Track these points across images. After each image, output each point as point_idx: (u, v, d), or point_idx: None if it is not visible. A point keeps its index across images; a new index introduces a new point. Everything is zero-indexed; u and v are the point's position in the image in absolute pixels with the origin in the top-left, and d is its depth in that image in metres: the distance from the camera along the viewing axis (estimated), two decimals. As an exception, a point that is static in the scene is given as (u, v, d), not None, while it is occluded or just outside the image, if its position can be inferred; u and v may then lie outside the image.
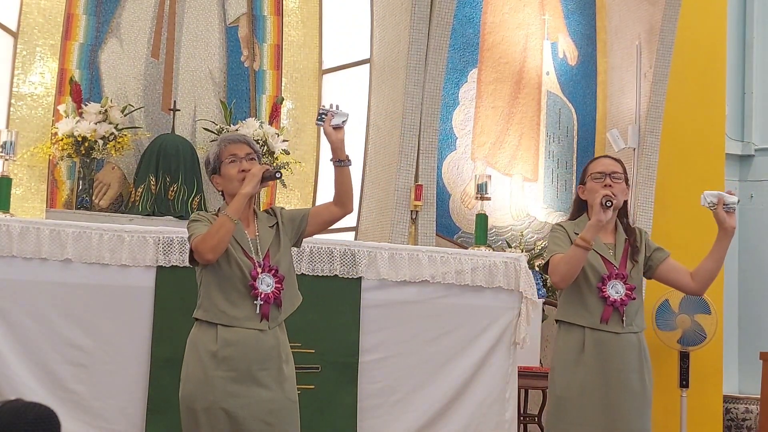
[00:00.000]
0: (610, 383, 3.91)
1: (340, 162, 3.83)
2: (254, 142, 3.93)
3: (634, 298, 3.99)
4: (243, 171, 3.77)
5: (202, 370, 3.68)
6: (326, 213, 3.92)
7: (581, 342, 3.95)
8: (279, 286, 3.75)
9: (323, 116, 3.82)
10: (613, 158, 4.19)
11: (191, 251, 3.75)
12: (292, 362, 3.84)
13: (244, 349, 3.69)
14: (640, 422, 3.96)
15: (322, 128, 3.84)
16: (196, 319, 3.78)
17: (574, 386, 3.93)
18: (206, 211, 6.84)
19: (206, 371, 3.67)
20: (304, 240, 4.00)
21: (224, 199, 3.88)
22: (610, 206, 3.89)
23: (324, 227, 3.97)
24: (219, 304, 3.71)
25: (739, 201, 4.04)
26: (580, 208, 4.15)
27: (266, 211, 3.93)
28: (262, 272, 3.73)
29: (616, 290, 3.96)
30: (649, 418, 4.02)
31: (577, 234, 3.99)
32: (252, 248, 3.77)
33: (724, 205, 3.98)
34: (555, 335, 4.10)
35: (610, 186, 3.99)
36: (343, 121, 3.82)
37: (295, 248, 4.00)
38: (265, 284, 3.74)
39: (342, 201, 3.88)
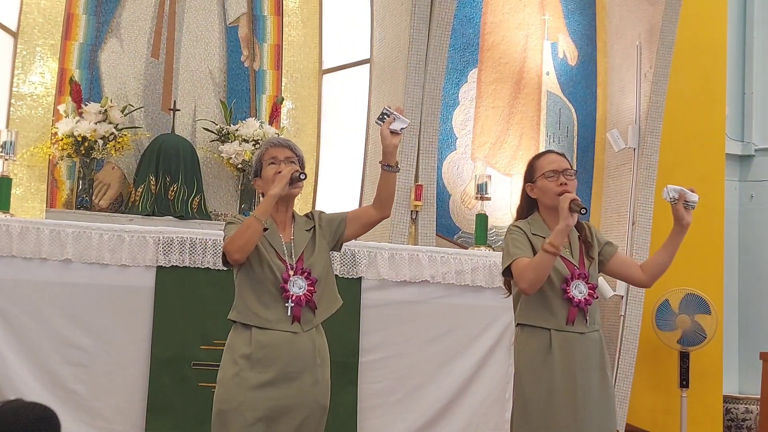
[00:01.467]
0: (577, 383, 3.87)
1: (389, 167, 3.81)
2: (297, 147, 3.91)
3: (597, 297, 3.97)
4: (278, 172, 3.77)
5: (236, 372, 3.67)
6: (364, 216, 3.91)
7: (548, 344, 3.89)
8: (311, 288, 3.74)
9: (385, 117, 3.79)
10: (558, 153, 4.13)
11: (224, 253, 3.74)
12: (327, 366, 3.82)
13: (277, 351, 3.67)
14: (605, 419, 3.93)
15: (380, 129, 3.79)
16: (233, 322, 3.77)
17: (541, 389, 3.88)
18: (207, 211, 6.87)
19: (239, 373, 3.66)
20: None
21: None
22: (585, 213, 3.86)
23: (362, 231, 3.94)
24: (251, 306, 3.71)
25: (698, 199, 4.01)
26: (530, 206, 4.10)
27: (306, 215, 3.92)
28: (294, 275, 3.72)
29: (579, 290, 3.91)
30: (614, 414, 4.00)
31: (535, 234, 3.95)
32: (286, 251, 3.76)
33: (684, 201, 3.97)
34: (516, 338, 4.02)
35: (566, 185, 3.96)
36: (402, 128, 3.79)
37: (336, 252, 3.98)
38: (297, 287, 3.72)
39: (382, 205, 3.86)
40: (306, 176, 3.79)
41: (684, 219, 3.98)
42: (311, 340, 3.75)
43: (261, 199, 3.89)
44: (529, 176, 4.09)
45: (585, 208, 3.84)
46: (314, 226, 3.86)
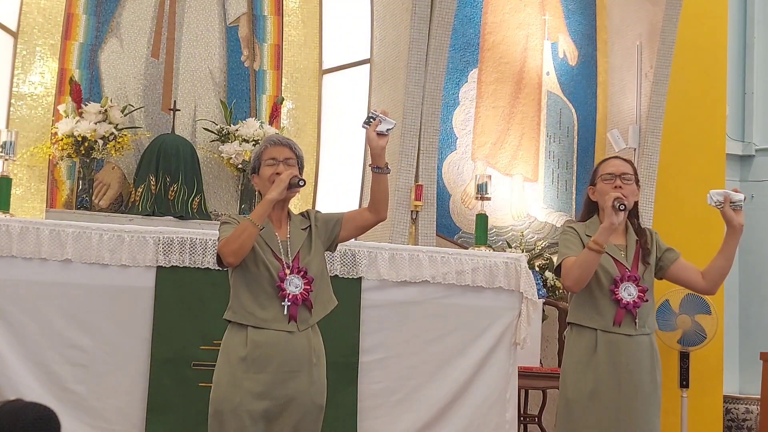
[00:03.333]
0: (622, 385, 3.90)
1: (379, 169, 3.79)
2: (297, 146, 3.89)
3: (647, 300, 3.97)
4: (276, 174, 3.75)
5: (231, 373, 3.66)
6: (360, 219, 3.88)
7: (593, 344, 3.93)
8: (308, 287, 3.72)
9: (371, 120, 3.78)
10: (623, 159, 4.17)
11: (218, 254, 3.73)
12: (323, 366, 3.80)
13: (272, 350, 3.66)
14: (650, 424, 3.95)
15: (366, 132, 3.78)
16: (228, 322, 3.76)
17: (585, 388, 3.91)
18: (207, 211, 6.87)
19: (235, 373, 3.65)
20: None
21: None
22: (624, 209, 3.87)
23: (358, 232, 3.92)
24: (247, 305, 3.69)
25: (745, 198, 4.02)
26: (591, 209, 4.12)
27: (302, 213, 3.91)
28: (290, 274, 3.70)
29: (628, 292, 3.93)
30: (658, 419, 4.01)
31: (589, 236, 3.97)
32: (282, 250, 3.74)
33: (730, 203, 3.97)
34: (567, 337, 4.07)
35: (620, 188, 3.97)
36: (388, 129, 3.77)
37: (330, 252, 3.97)
38: (293, 285, 3.70)
39: (376, 208, 3.83)
40: (305, 183, 3.77)
41: (735, 220, 3.97)
42: (307, 339, 3.73)
43: (260, 197, 3.87)
44: (592, 180, 4.14)
45: (624, 205, 3.87)
46: (310, 226, 3.84)
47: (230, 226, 3.71)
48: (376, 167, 3.79)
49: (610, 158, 4.20)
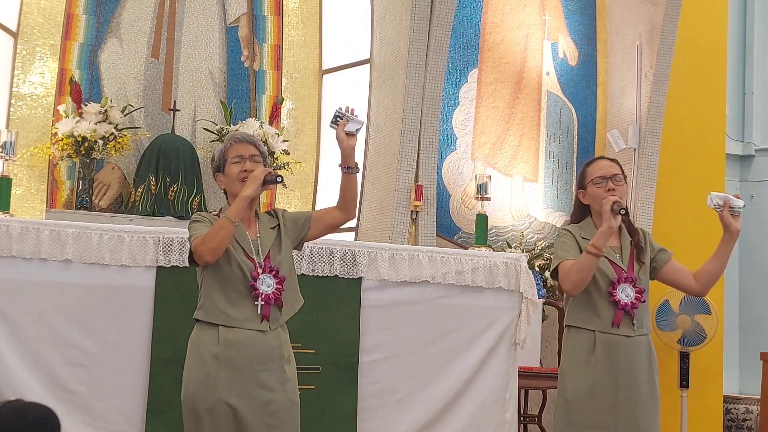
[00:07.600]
0: (620, 386, 3.91)
1: (349, 169, 3.81)
2: (261, 144, 3.91)
3: (644, 301, 3.98)
4: (245, 172, 3.76)
5: (205, 372, 3.68)
6: (329, 217, 3.92)
7: (592, 345, 3.94)
8: (280, 287, 3.75)
9: (338, 119, 3.78)
10: (610, 159, 4.17)
11: (191, 252, 3.74)
12: (293, 363, 3.84)
13: (245, 349, 3.68)
14: (649, 424, 3.96)
15: (335, 132, 3.79)
16: (197, 320, 3.78)
17: (583, 389, 3.92)
18: (207, 211, 6.86)
19: (208, 372, 3.67)
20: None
21: (227, 198, 3.88)
22: (625, 213, 3.88)
23: (326, 231, 3.96)
24: (219, 305, 3.71)
25: (744, 206, 4.01)
26: (583, 211, 4.13)
27: (268, 212, 3.92)
28: (262, 273, 3.73)
29: (626, 294, 3.94)
30: (658, 419, 4.02)
31: (584, 238, 3.98)
32: (253, 249, 3.76)
33: (729, 208, 3.97)
34: (564, 339, 4.08)
35: (614, 190, 3.99)
36: (357, 129, 3.78)
37: (296, 251, 4.00)
38: (266, 285, 3.73)
39: (346, 207, 3.88)
40: (282, 179, 3.79)
41: (732, 225, 3.98)
42: (277, 337, 3.77)
43: (225, 195, 3.88)
44: (581, 183, 4.14)
45: (624, 209, 3.87)
46: (278, 225, 3.86)
47: (202, 224, 3.72)
48: (346, 167, 3.81)
49: (598, 159, 4.19)
